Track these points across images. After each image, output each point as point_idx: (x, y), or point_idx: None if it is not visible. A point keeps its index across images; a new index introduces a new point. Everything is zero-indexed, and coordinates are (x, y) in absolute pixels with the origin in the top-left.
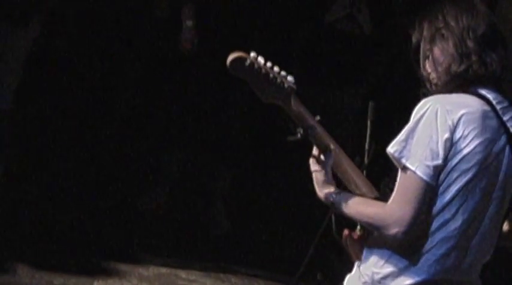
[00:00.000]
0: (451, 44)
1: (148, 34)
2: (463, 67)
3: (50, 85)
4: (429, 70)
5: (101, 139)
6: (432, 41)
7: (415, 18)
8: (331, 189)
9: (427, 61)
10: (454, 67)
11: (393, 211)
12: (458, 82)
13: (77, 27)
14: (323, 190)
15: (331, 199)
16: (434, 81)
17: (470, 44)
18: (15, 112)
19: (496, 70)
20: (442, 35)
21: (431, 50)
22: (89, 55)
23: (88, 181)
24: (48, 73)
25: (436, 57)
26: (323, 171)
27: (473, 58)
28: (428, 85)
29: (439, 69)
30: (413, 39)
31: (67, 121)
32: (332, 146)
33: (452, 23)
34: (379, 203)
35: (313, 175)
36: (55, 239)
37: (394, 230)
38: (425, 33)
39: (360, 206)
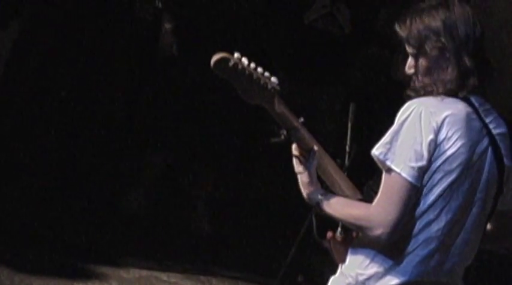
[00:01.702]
0: (451, 60)
1: (131, 36)
2: (460, 83)
3: (31, 86)
4: (412, 71)
5: (83, 140)
6: (421, 47)
7: (403, 13)
8: (316, 190)
9: (410, 61)
10: (452, 85)
11: (378, 212)
12: (451, 93)
13: (59, 28)
14: (308, 191)
15: (317, 200)
16: (426, 87)
17: (468, 61)
18: None
19: (485, 81)
20: (438, 47)
21: (418, 55)
22: (70, 56)
23: (69, 182)
24: (29, 74)
25: (426, 65)
26: (307, 172)
27: (472, 75)
28: (412, 85)
29: (432, 77)
30: (401, 34)
31: (48, 122)
32: (315, 148)
33: (449, 35)
34: (364, 205)
35: (298, 176)
36: (35, 242)
37: (379, 232)
38: (413, 33)
39: (345, 208)
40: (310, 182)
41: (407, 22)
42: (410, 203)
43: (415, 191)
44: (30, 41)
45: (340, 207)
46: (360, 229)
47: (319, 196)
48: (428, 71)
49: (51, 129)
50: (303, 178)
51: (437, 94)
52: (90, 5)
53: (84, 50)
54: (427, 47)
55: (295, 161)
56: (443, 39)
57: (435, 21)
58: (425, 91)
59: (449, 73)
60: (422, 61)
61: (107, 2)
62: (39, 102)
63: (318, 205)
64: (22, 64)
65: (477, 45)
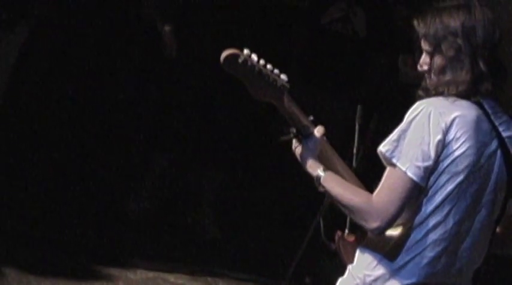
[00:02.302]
0: (466, 63)
1: (136, 36)
2: (473, 87)
3: (38, 88)
4: (425, 68)
5: (89, 142)
6: (438, 45)
7: (424, 10)
8: (318, 164)
9: (425, 58)
10: (466, 86)
11: (378, 206)
12: (463, 96)
13: (65, 30)
14: (309, 162)
15: (317, 174)
16: (438, 87)
17: (483, 66)
18: (2, 115)
19: (498, 86)
20: (455, 48)
21: (433, 53)
22: (76, 58)
23: (75, 184)
24: (37, 76)
25: (440, 64)
26: (300, 146)
27: (485, 80)
28: (427, 82)
29: (444, 77)
30: (419, 30)
31: (54, 124)
32: (317, 132)
33: (466, 38)
34: (366, 194)
35: (297, 150)
36: (43, 243)
37: (375, 224)
38: (432, 31)
39: (345, 191)
40: (310, 155)
41: (427, 19)
42: (411, 201)
43: (418, 190)
44: (38, 43)
45: (341, 189)
46: (356, 216)
47: (320, 171)
48: (442, 70)
49: (56, 131)
50: (302, 151)
51: (448, 95)
52: (96, 7)
53: (90, 52)
54: (444, 47)
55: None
56: (459, 41)
57: (454, 22)
58: (436, 92)
59: (463, 76)
60: (437, 60)
61: (113, 4)
62: (45, 104)
63: (318, 178)
64: (29, 66)
65: (494, 51)
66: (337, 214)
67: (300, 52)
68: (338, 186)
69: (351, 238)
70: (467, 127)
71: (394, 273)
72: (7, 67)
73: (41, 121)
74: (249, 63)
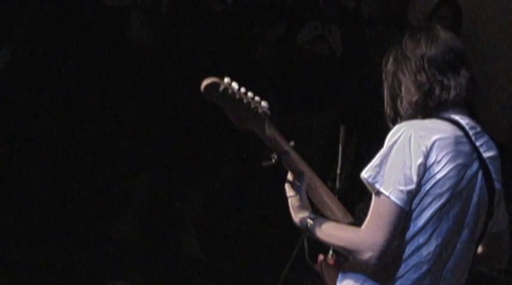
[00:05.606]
0: (407, 76)
1: (119, 58)
2: (421, 97)
3: (19, 112)
4: (398, 106)
5: (71, 166)
6: (395, 77)
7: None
8: (306, 214)
9: (398, 100)
10: (414, 99)
11: (367, 236)
12: (424, 112)
13: (50, 51)
14: (298, 215)
15: (307, 224)
16: (402, 114)
17: (426, 72)
18: None
19: (461, 93)
20: (402, 71)
21: (399, 88)
22: (57, 81)
23: (58, 208)
24: (20, 98)
25: (402, 94)
26: (297, 196)
27: (433, 85)
28: (401, 112)
29: (404, 103)
30: (384, 68)
31: (37, 146)
32: (305, 171)
33: (409, 55)
34: (353, 229)
35: (289, 200)
36: (24, 267)
37: (367, 255)
38: (389, 68)
39: (334, 231)
40: (301, 206)
41: (388, 56)
42: (400, 226)
43: (404, 214)
44: (21, 65)
45: (330, 231)
46: (349, 252)
47: (309, 220)
48: (402, 98)
49: (40, 153)
50: (293, 202)
51: (410, 118)
52: (82, 28)
53: (73, 75)
54: (403, 72)
55: (286, 185)
56: (404, 63)
57: (401, 49)
58: (407, 116)
59: (411, 91)
60: (405, 85)
61: (98, 23)
62: (28, 125)
63: (308, 228)
64: (13, 88)
65: (444, 61)
66: None
67: (272, 73)
68: (327, 230)
69: (334, 261)
70: (448, 149)
71: None
72: None
73: (24, 143)
74: (230, 92)
